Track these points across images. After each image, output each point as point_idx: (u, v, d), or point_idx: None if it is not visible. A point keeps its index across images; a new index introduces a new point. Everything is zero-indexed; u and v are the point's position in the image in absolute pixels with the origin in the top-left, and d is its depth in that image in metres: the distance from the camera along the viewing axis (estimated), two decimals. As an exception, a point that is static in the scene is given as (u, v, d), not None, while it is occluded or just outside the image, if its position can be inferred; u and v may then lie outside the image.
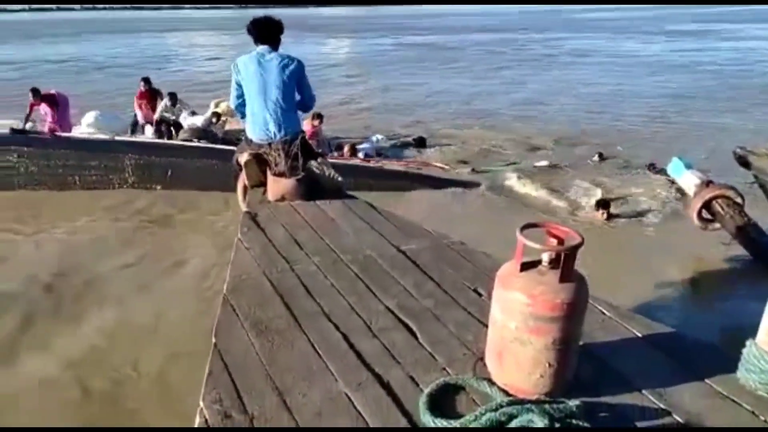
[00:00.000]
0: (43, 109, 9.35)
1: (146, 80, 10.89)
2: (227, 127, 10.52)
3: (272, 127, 3.93)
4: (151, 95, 10.71)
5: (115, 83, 19.19)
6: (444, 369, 2.03)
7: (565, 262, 1.71)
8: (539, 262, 1.81)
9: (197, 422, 1.80)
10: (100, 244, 6.37)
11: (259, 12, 4.23)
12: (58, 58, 28.60)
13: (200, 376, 2.02)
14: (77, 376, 4.04)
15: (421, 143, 11.04)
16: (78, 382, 3.98)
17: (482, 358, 2.04)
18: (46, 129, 9.19)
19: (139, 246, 6.34)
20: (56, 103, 9.42)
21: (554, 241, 1.78)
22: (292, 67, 3.96)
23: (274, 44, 4.03)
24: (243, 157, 4.05)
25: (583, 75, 21.22)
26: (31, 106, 9.41)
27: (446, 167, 9.52)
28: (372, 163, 9.33)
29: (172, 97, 10.37)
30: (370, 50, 33.59)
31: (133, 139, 9.54)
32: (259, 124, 3.98)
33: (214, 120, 10.09)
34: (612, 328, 2.26)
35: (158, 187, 8.03)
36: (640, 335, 2.22)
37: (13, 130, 8.69)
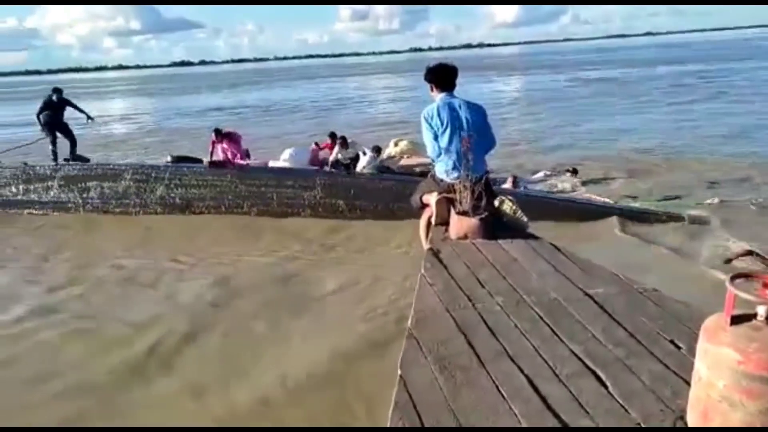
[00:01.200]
0: (226, 144, 10.32)
1: (332, 135, 11.64)
2: (402, 162, 11.22)
3: (464, 169, 4.03)
4: (333, 143, 11.51)
5: (304, 124, 21.06)
6: (638, 424, 1.90)
7: (786, 318, 1.54)
8: (753, 316, 1.65)
9: (385, 450, 1.88)
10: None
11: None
12: (256, 103, 32.03)
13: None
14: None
15: (575, 174, 10.76)
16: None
17: (682, 417, 1.88)
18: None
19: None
20: (236, 140, 10.47)
21: (772, 294, 1.61)
22: (480, 112, 4.19)
23: (453, 89, 4.23)
24: (432, 197, 4.20)
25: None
26: (213, 143, 10.51)
27: (607, 200, 9.06)
28: (536, 194, 9.27)
29: (343, 141, 11.12)
30: (544, 87, 33.05)
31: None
32: (452, 166, 4.15)
33: (375, 156, 10.77)
34: None
35: (341, 203, 8.97)
36: None
37: (212, 163, 10.27)
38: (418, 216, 4.62)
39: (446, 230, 4.09)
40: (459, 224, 3.92)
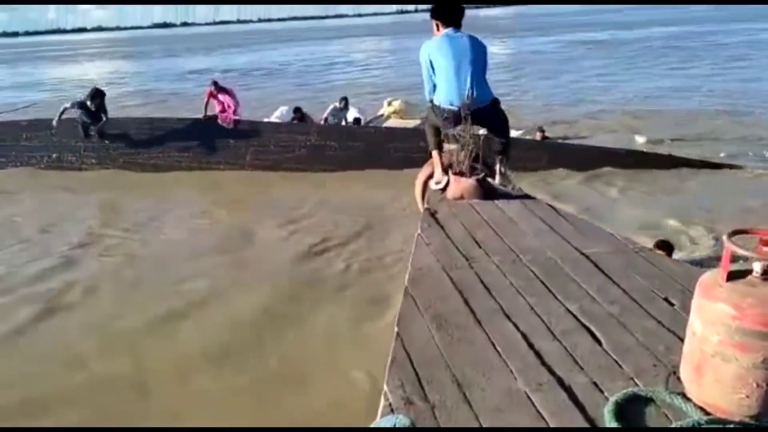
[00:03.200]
0: (222, 98, 10.28)
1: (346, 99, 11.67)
2: (386, 123, 11.60)
3: (466, 93, 3.92)
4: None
5: (289, 87, 21.00)
6: (631, 379, 1.93)
7: (782, 274, 1.55)
8: (749, 272, 1.66)
9: (381, 404, 1.90)
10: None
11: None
12: (242, 66, 31.42)
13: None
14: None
15: (542, 133, 10.91)
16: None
17: (675, 372, 1.91)
18: (220, 115, 10.31)
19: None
20: (233, 94, 10.45)
21: (768, 250, 1.62)
22: (482, 45, 4.10)
23: (459, 26, 4.09)
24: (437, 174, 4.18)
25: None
26: (210, 95, 10.42)
27: None
28: None
29: (344, 100, 11.28)
30: (529, 50, 32.50)
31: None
32: (453, 90, 3.98)
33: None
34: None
35: (335, 144, 9.53)
36: None
37: (207, 117, 10.34)
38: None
39: (443, 190, 4.08)
40: (456, 185, 3.91)
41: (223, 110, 10.22)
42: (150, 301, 5.22)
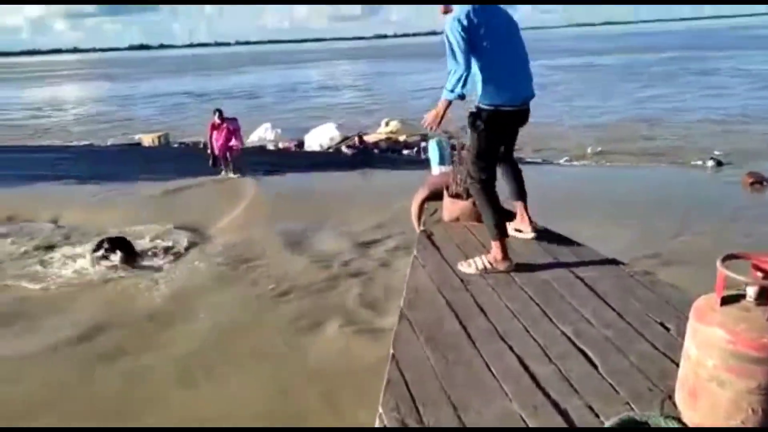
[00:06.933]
0: (229, 127, 10.04)
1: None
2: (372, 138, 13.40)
3: (524, 85, 3.08)
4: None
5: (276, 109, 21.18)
6: (627, 403, 1.93)
7: (776, 298, 1.56)
8: (742, 296, 1.67)
9: (376, 424, 1.90)
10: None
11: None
12: (223, 88, 31.22)
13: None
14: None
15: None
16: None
17: (671, 396, 1.91)
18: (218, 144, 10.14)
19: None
20: (236, 124, 10.32)
21: (760, 275, 1.64)
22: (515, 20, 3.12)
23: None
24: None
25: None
26: (213, 127, 10.03)
27: None
28: None
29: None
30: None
31: None
32: (508, 82, 2.98)
33: None
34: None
35: None
36: None
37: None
38: None
39: (436, 212, 4.08)
40: (451, 207, 3.92)
41: (228, 140, 9.98)
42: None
